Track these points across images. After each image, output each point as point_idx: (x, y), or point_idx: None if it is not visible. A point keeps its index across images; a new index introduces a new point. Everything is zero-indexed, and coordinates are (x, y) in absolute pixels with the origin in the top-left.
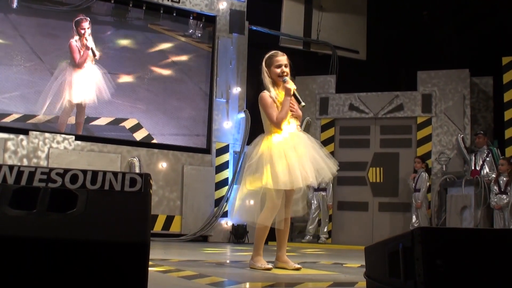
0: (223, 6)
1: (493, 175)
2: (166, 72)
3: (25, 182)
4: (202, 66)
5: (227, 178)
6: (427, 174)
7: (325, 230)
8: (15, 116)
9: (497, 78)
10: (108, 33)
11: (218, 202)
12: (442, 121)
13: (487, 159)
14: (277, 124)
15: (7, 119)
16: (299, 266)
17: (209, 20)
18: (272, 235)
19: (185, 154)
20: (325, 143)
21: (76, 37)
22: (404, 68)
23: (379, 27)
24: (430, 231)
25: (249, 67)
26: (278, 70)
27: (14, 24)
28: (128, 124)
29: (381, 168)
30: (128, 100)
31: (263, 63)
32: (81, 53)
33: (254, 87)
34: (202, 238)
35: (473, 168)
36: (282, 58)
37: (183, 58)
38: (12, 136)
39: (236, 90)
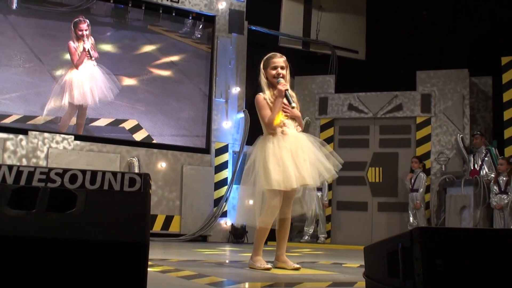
0: (222, 6)
1: (492, 175)
2: (165, 73)
3: (24, 182)
4: (202, 67)
5: (226, 178)
6: (425, 174)
7: (323, 230)
8: (14, 117)
9: (496, 78)
10: (108, 34)
11: (218, 202)
12: (441, 121)
13: (486, 159)
14: (268, 125)
15: (7, 120)
16: (298, 266)
17: (208, 20)
18: (272, 235)
19: (184, 154)
20: None
21: (75, 39)
22: (403, 68)
23: (379, 27)
24: (429, 231)
25: (249, 67)
26: (274, 72)
27: (13, 25)
28: (128, 125)
29: (380, 168)
30: (128, 101)
31: (261, 65)
32: (79, 55)
33: (254, 87)
34: (201, 238)
35: (472, 168)
36: (279, 60)
37: (183, 59)
38: (11, 136)
39: (236, 90)
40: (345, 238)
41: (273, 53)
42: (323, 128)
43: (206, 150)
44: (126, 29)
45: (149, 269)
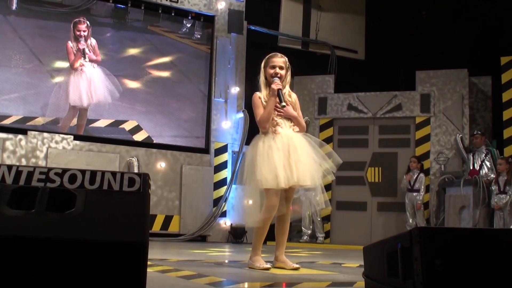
0: (221, 6)
1: (493, 175)
2: (165, 73)
3: (24, 182)
4: (202, 67)
5: (225, 178)
6: (423, 174)
7: (321, 229)
8: (14, 118)
9: (495, 78)
10: (108, 34)
11: (217, 202)
12: (441, 121)
13: (486, 159)
14: (259, 123)
15: (6, 121)
16: (297, 266)
17: (207, 20)
18: (271, 235)
19: (183, 154)
20: None
21: (73, 39)
22: (402, 68)
23: (378, 27)
24: (429, 231)
25: (248, 67)
26: (272, 71)
27: (13, 26)
28: (128, 126)
29: (380, 168)
30: (128, 102)
31: (262, 63)
32: (75, 55)
33: (253, 87)
34: (200, 238)
35: (471, 168)
36: (278, 60)
37: (183, 59)
38: (10, 136)
39: (235, 90)
40: (344, 238)
41: (275, 53)
42: (323, 128)
43: (205, 150)
44: (126, 30)
45: (148, 269)
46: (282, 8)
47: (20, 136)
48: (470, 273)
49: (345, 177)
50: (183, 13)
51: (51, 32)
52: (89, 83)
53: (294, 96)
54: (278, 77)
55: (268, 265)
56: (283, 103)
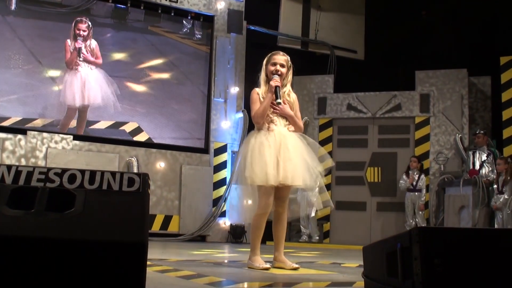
0: (221, 5)
1: (493, 176)
2: (166, 74)
3: (23, 182)
4: (202, 68)
5: (225, 178)
6: (424, 175)
7: (315, 229)
8: (13, 120)
9: (495, 78)
10: (108, 35)
11: (216, 202)
12: (440, 120)
13: (488, 160)
14: (253, 118)
15: (6, 123)
16: (297, 266)
17: (207, 20)
18: (270, 235)
19: (183, 154)
20: (323, 143)
21: (72, 37)
22: (402, 68)
23: (377, 26)
24: (428, 230)
25: (247, 67)
26: (272, 68)
27: (12, 26)
28: (128, 127)
29: (379, 168)
30: (128, 103)
31: (264, 61)
32: (71, 54)
33: (252, 87)
34: (200, 238)
35: (471, 167)
36: (280, 58)
37: (184, 60)
38: (10, 136)
39: (234, 90)
40: (343, 238)
41: (278, 51)
42: (322, 128)
43: (205, 150)
44: (126, 30)
45: (147, 269)
46: (281, 8)
47: (19, 136)
48: (470, 273)
49: (345, 177)
50: (182, 13)
51: (50, 32)
52: (83, 84)
53: (293, 96)
54: (278, 75)
55: (268, 265)
56: (279, 100)
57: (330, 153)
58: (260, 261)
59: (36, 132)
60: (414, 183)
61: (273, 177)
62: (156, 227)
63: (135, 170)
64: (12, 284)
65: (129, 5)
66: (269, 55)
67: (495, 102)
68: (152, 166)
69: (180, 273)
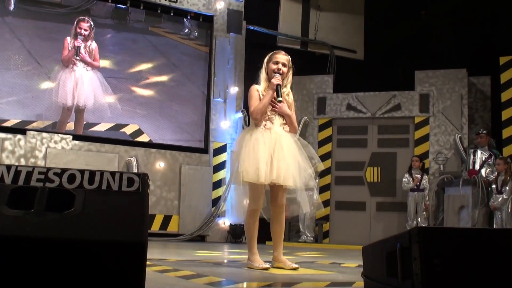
0: (220, 5)
1: (493, 176)
2: (166, 75)
3: (23, 182)
4: (202, 69)
5: (224, 178)
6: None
7: (312, 230)
8: (12, 121)
9: (494, 78)
10: (108, 36)
11: (216, 201)
12: (440, 120)
13: (489, 161)
14: (251, 114)
15: (5, 125)
16: (296, 266)
17: (206, 20)
18: (269, 235)
19: (182, 154)
20: (322, 143)
21: (73, 36)
22: (401, 68)
23: (377, 26)
24: (428, 230)
25: (247, 67)
26: (274, 67)
27: (11, 27)
28: (128, 129)
29: (379, 168)
30: (129, 105)
31: (265, 59)
32: (69, 52)
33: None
34: (199, 238)
35: (470, 165)
36: (282, 57)
37: (184, 60)
38: (9, 135)
39: (234, 89)
40: (343, 238)
41: (279, 50)
42: (321, 128)
43: (204, 150)
44: (127, 31)
45: (147, 269)
46: (281, 8)
47: (19, 136)
48: (469, 273)
49: (344, 177)
50: (182, 13)
51: (50, 33)
52: (76, 84)
53: (291, 97)
54: (280, 74)
55: (267, 265)
56: (280, 98)
57: (329, 153)
58: (259, 261)
59: (35, 132)
60: (418, 183)
61: (265, 174)
62: (155, 227)
63: (135, 170)
64: (12, 284)
65: (128, 5)
66: (271, 53)
67: (495, 102)
68: (151, 166)
69: (180, 273)
